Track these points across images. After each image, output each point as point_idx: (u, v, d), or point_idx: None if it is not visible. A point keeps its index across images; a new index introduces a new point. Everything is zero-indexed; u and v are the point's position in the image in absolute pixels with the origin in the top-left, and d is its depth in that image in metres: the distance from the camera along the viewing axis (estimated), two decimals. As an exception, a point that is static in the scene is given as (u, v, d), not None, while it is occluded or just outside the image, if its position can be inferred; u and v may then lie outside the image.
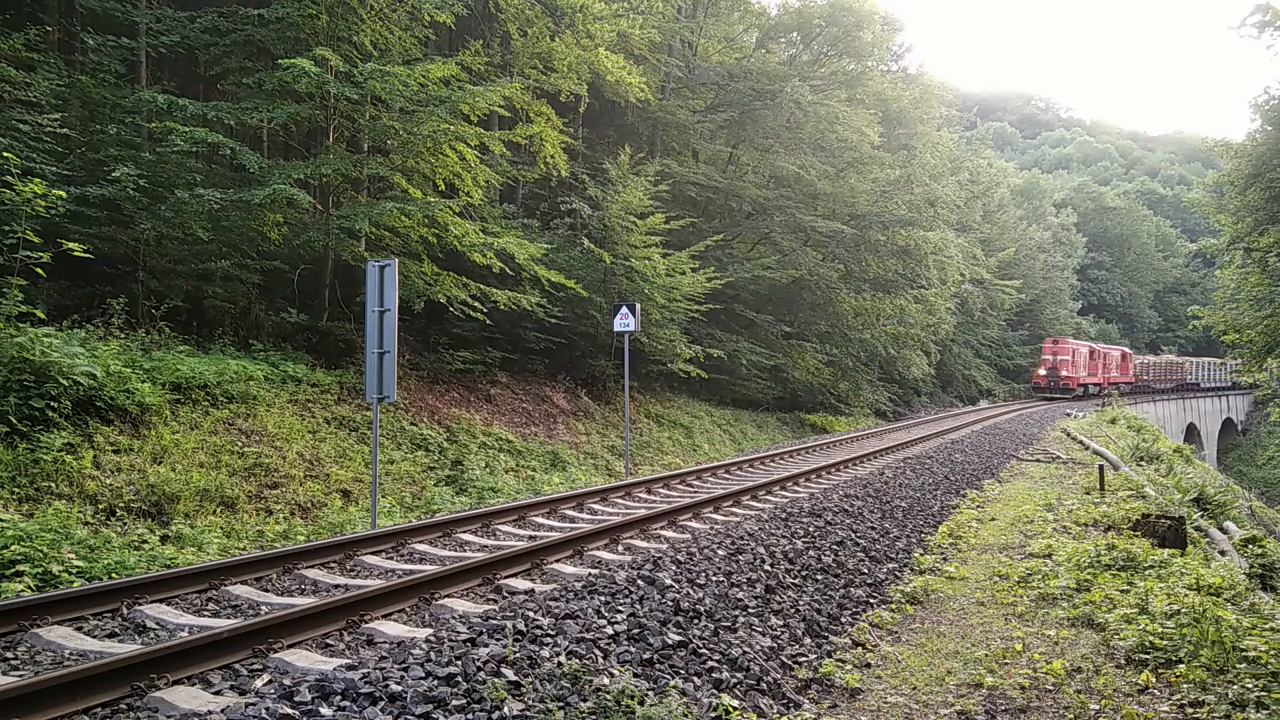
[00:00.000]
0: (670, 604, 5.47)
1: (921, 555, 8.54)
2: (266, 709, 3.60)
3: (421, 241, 14.44)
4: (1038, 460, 17.73)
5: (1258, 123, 24.65)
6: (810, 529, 8.43)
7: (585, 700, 3.98)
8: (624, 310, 14.42)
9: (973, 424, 25.82)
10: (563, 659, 4.30)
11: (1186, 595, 6.66)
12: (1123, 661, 5.57)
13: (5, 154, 9.78)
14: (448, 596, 6.00)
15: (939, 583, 7.64)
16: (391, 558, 7.37)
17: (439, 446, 13.51)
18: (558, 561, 7.15)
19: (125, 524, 8.33)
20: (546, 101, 18.51)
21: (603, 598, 5.44)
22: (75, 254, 9.70)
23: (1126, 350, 56.17)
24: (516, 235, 16.38)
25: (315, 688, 3.82)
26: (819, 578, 7.06)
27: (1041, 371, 45.31)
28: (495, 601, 6.00)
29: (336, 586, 6.33)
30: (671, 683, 4.39)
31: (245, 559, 6.54)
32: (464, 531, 8.38)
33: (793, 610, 6.13)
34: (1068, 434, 22.98)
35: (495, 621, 4.76)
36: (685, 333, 21.62)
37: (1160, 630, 5.80)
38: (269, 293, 14.51)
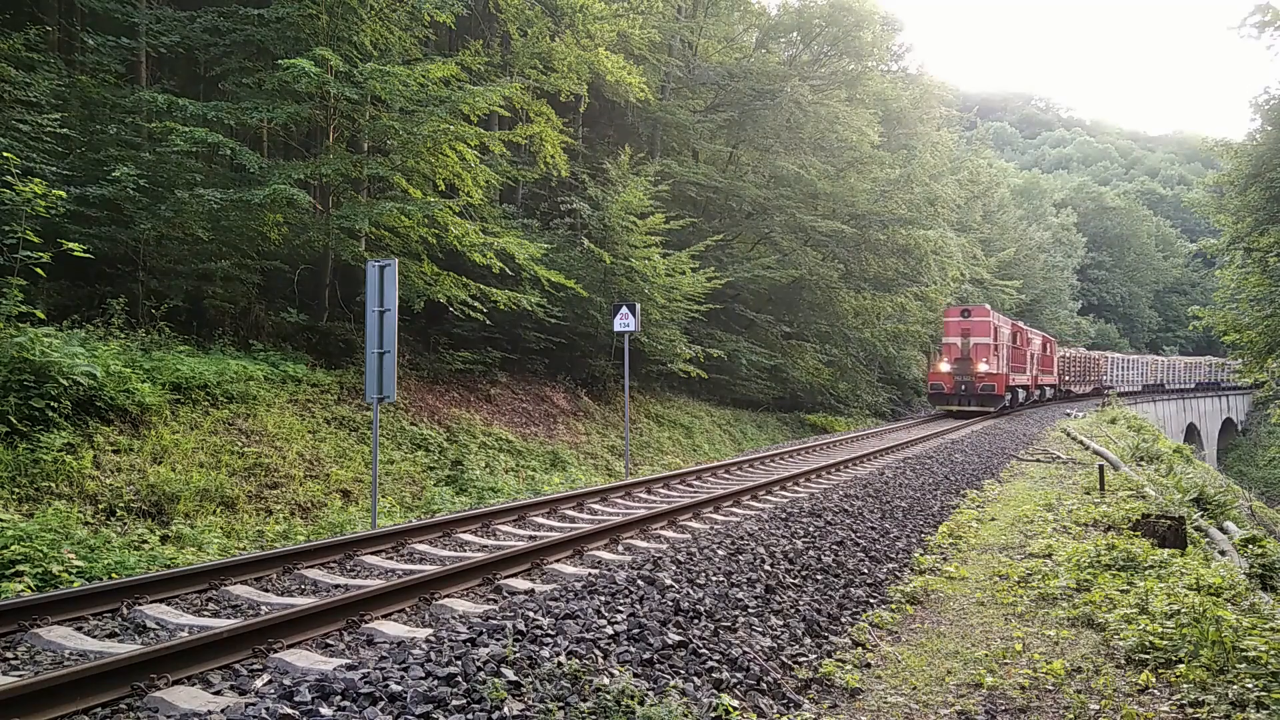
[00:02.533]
0: (670, 604, 5.47)
1: (921, 555, 8.54)
2: (266, 709, 3.60)
3: (421, 241, 14.44)
4: (1038, 460, 17.72)
5: (1258, 122, 24.67)
6: (810, 529, 8.43)
7: (585, 700, 3.97)
8: (624, 310, 14.41)
9: (973, 424, 25.81)
10: (563, 659, 4.30)
11: (1186, 595, 6.66)
12: (1123, 661, 5.57)
13: (5, 154, 9.79)
14: (448, 596, 6.00)
15: (939, 583, 7.64)
16: (391, 558, 7.36)
17: (439, 446, 13.51)
18: (558, 561, 7.15)
19: (125, 524, 8.33)
20: (546, 101, 18.52)
21: (603, 598, 5.43)
22: (75, 254, 9.70)
23: (1049, 337, 39.79)
24: (516, 235, 16.38)
25: (315, 688, 3.81)
26: (819, 578, 7.06)
27: (944, 366, 27.87)
28: (495, 601, 6.00)
29: (336, 586, 6.32)
30: (671, 683, 4.39)
31: (245, 559, 6.54)
32: (464, 531, 8.38)
33: (793, 610, 6.12)
34: (1068, 434, 22.97)
35: (495, 621, 4.76)
36: (685, 333, 21.62)
37: (1160, 630, 5.80)
38: (269, 293, 14.50)
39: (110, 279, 12.25)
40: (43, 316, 9.54)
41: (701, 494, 11.17)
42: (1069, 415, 30.50)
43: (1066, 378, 41.87)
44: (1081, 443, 20.82)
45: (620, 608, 5.27)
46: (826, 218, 26.77)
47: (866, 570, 7.69)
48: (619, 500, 10.65)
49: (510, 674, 4.08)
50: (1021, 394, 32.09)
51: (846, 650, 5.69)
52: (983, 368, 27.38)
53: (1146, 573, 7.61)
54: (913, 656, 5.73)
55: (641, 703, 4.02)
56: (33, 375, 8.60)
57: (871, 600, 6.93)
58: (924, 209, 29.57)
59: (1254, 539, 12.02)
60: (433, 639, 4.50)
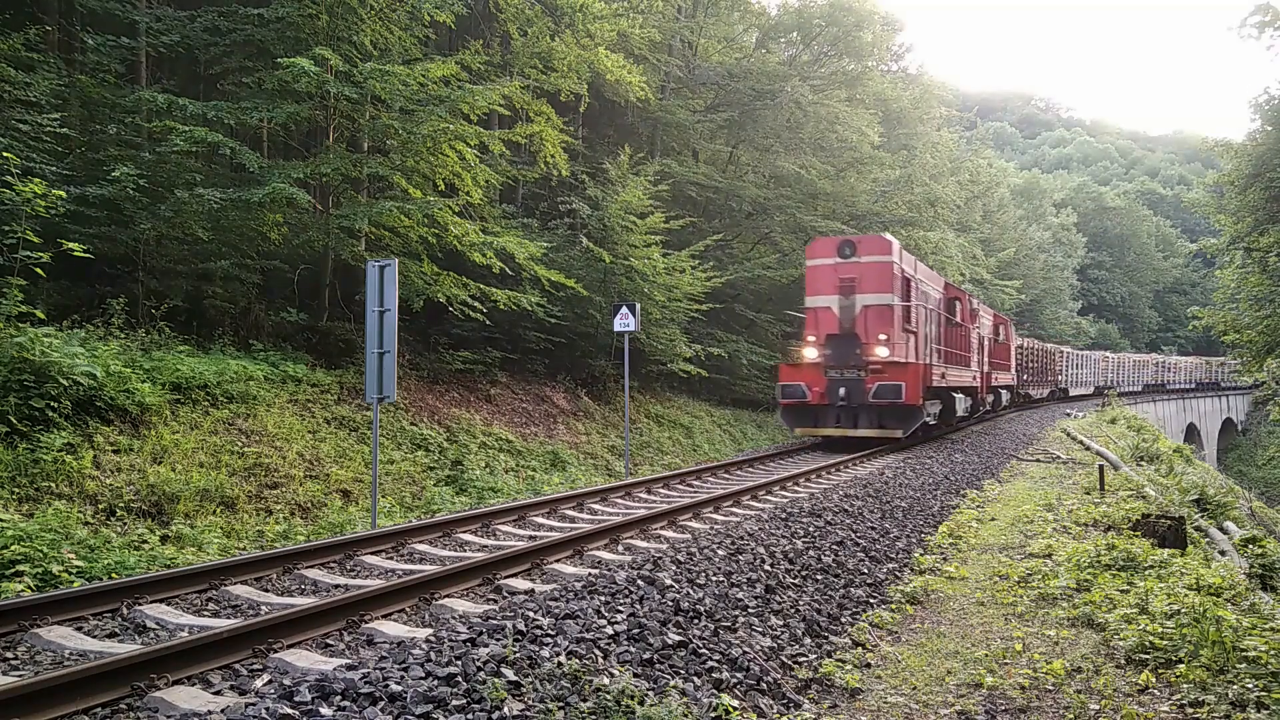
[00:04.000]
0: (670, 604, 5.47)
1: (921, 555, 8.54)
2: (266, 709, 3.60)
3: (421, 241, 14.44)
4: (1038, 460, 17.72)
5: (1258, 123, 24.73)
6: (810, 529, 8.43)
7: (585, 700, 3.97)
8: (624, 310, 14.39)
9: (973, 423, 25.80)
10: (563, 659, 4.30)
11: (1186, 595, 6.66)
12: (1123, 661, 5.57)
13: (5, 154, 9.78)
14: (448, 596, 6.00)
15: (939, 583, 7.64)
16: (391, 558, 7.36)
17: (439, 446, 13.51)
18: (558, 561, 7.14)
19: (125, 524, 8.33)
20: (546, 101, 18.52)
21: (603, 598, 5.43)
22: (75, 254, 9.69)
23: (1002, 317, 28.67)
24: (516, 235, 16.39)
25: (315, 688, 3.81)
26: (819, 578, 7.06)
27: (808, 353, 15.91)
28: (495, 601, 5.99)
29: (336, 586, 6.32)
30: (671, 683, 4.39)
31: (245, 559, 6.53)
32: (464, 531, 8.38)
33: (793, 610, 6.12)
34: (1068, 434, 22.98)
35: (495, 621, 4.75)
36: (685, 332, 21.63)
37: (1160, 630, 5.79)
38: (269, 293, 14.51)
39: (110, 279, 12.25)
40: (43, 316, 9.53)
41: (701, 494, 11.16)
42: (1069, 415, 30.49)
43: (1025, 377, 31.57)
44: (1081, 443, 20.83)
45: (620, 608, 5.27)
46: (827, 218, 26.78)
47: (866, 570, 7.68)
48: (619, 500, 10.65)
49: (510, 674, 4.07)
50: (962, 402, 19.03)
51: (846, 650, 5.69)
52: (881, 352, 15.10)
53: (1146, 573, 7.61)
54: (913, 656, 5.73)
55: (641, 703, 4.02)
56: (33, 375, 8.60)
57: (871, 600, 6.93)
58: (924, 209, 29.58)
59: (1254, 539, 12.03)
60: (433, 639, 4.50)
